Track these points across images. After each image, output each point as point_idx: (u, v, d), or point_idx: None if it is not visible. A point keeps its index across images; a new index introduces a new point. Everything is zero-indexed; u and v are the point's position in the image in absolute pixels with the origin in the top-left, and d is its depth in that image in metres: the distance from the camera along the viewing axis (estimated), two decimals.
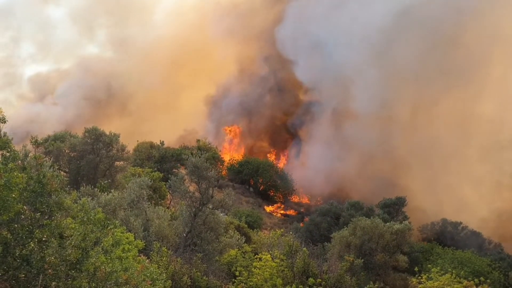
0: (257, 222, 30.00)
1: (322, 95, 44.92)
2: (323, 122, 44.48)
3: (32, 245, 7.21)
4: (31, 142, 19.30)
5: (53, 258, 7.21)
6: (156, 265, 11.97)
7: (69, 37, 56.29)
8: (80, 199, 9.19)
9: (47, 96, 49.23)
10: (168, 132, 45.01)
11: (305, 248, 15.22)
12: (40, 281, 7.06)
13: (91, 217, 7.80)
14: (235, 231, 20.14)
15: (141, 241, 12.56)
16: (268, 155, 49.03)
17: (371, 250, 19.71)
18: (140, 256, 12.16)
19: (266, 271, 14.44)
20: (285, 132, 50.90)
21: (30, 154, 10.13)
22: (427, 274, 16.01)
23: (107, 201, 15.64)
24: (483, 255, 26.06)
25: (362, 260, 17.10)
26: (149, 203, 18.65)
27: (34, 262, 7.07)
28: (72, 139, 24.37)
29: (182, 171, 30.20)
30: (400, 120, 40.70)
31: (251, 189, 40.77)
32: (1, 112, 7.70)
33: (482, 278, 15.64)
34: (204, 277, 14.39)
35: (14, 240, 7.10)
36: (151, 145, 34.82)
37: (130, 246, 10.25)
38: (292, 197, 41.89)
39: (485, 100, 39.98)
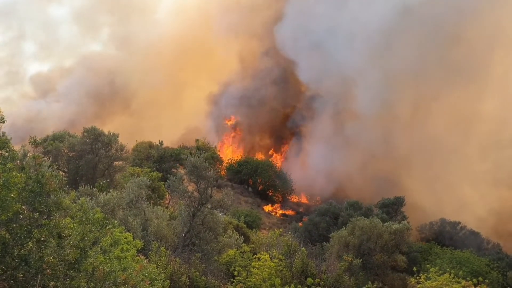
0: (255, 222, 29.97)
1: (323, 95, 44.94)
2: (324, 120, 44.46)
3: (31, 245, 7.22)
4: (30, 142, 19.33)
5: (51, 258, 7.22)
6: (155, 265, 11.99)
7: (71, 35, 56.13)
8: (79, 199, 9.21)
9: (49, 94, 49.16)
10: (171, 129, 45.08)
11: (303, 248, 15.27)
12: (38, 281, 7.08)
13: (90, 217, 7.83)
14: (234, 231, 20.14)
15: (140, 241, 12.58)
16: (270, 152, 49.04)
17: (369, 250, 19.76)
18: (139, 256, 12.20)
19: (265, 271, 14.47)
20: (286, 128, 50.80)
21: (29, 154, 10.15)
22: (425, 274, 16.00)
23: (105, 201, 15.69)
24: (482, 255, 26.05)
25: (361, 260, 17.14)
26: (148, 203, 18.64)
27: (32, 262, 7.08)
28: (71, 139, 24.37)
29: (181, 171, 30.24)
30: (401, 119, 40.68)
31: (250, 189, 40.74)
32: (0, 112, 7.71)
33: (480, 278, 15.61)
34: (203, 277, 14.41)
35: (12, 240, 7.11)
36: (150, 145, 34.81)
37: (129, 246, 10.27)
38: (291, 197, 41.91)
39: (485, 100, 39.94)
